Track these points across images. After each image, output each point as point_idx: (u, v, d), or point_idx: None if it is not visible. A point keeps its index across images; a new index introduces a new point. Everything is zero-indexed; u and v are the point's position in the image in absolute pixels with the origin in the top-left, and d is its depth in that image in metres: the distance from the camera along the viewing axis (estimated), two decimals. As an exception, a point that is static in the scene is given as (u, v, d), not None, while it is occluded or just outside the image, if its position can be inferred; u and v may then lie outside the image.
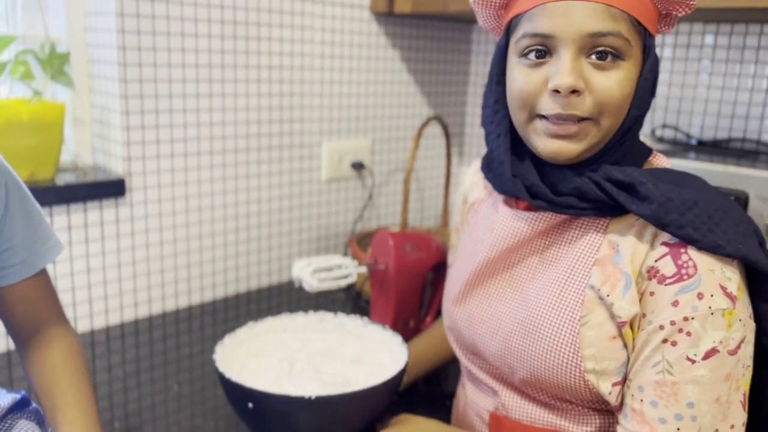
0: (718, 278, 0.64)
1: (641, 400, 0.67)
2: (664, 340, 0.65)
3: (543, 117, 0.69)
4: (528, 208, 0.78)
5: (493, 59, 0.76)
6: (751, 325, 0.66)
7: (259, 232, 1.48)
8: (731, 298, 0.64)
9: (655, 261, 0.67)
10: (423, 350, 1.05)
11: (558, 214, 0.73)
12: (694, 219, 0.65)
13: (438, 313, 1.21)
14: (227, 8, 1.31)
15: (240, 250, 1.46)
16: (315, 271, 1.11)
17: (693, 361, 0.64)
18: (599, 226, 0.72)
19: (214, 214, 1.39)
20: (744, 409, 0.66)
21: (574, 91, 0.66)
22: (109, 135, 1.27)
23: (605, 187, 0.68)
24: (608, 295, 0.68)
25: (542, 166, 0.74)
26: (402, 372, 0.86)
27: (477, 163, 0.92)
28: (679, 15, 0.72)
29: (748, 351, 0.66)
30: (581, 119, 0.67)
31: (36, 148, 1.17)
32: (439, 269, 1.19)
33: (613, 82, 0.66)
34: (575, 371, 0.70)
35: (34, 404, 0.80)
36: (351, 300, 1.47)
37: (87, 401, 0.74)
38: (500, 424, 0.81)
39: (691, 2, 0.70)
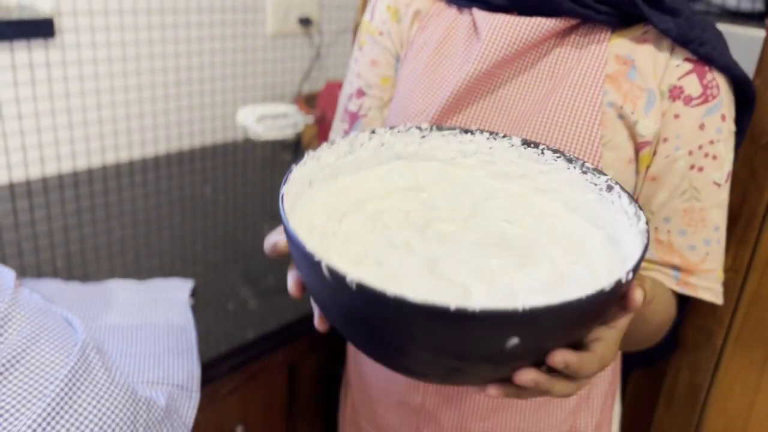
0: (731, 99, 0.64)
1: (668, 231, 0.66)
2: (692, 167, 0.64)
3: None
4: None
5: None
6: None
7: (201, 86, 1.43)
8: (733, 120, 0.65)
9: (678, 79, 0.62)
10: None
11: (563, 17, 0.63)
12: (711, 38, 0.62)
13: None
14: None
15: (182, 105, 1.41)
16: (260, 119, 1.08)
17: (719, 185, 0.64)
18: (600, 38, 0.64)
19: (153, 64, 1.32)
20: None
21: None
22: (33, -30, 1.16)
23: None
24: (632, 113, 0.63)
25: None
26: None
27: None
28: None
29: None
30: None
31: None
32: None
33: None
34: None
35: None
36: (301, 157, 1.46)
37: None
38: None
39: None
